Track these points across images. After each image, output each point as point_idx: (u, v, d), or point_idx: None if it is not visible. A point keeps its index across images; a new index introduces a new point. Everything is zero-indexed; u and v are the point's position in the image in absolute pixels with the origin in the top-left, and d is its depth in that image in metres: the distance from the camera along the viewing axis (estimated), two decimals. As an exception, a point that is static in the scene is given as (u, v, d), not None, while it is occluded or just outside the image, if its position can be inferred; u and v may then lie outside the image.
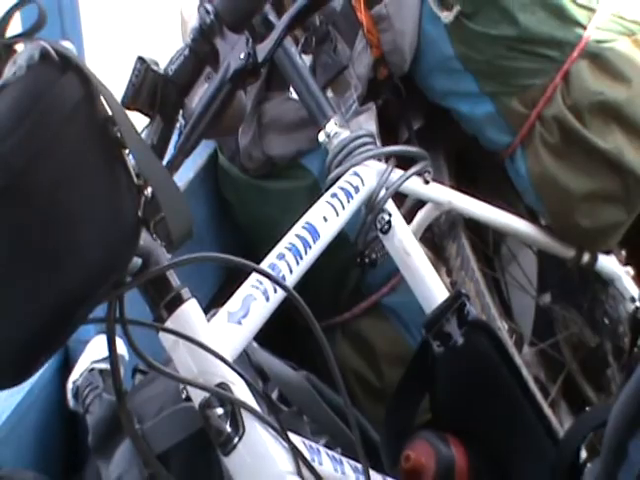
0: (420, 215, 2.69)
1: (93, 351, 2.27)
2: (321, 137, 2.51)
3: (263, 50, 2.16)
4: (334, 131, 2.49)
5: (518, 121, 2.87)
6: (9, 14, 1.62)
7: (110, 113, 1.57)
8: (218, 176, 2.93)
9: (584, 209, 2.88)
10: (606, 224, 2.92)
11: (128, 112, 1.64)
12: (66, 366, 2.34)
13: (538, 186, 2.89)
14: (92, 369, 2.22)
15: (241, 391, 1.81)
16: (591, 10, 2.84)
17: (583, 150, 2.83)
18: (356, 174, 2.43)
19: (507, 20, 2.81)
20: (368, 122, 2.72)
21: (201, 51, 2.00)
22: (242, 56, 2.13)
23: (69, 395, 2.24)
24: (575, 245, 2.96)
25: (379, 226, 2.48)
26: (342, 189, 2.37)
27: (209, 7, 2.00)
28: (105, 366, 2.20)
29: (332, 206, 2.30)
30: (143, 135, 1.82)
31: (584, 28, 2.83)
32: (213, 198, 2.91)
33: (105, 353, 2.20)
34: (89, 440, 2.15)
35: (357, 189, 2.40)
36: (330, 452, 1.97)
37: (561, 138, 2.84)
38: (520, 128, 2.86)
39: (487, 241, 3.01)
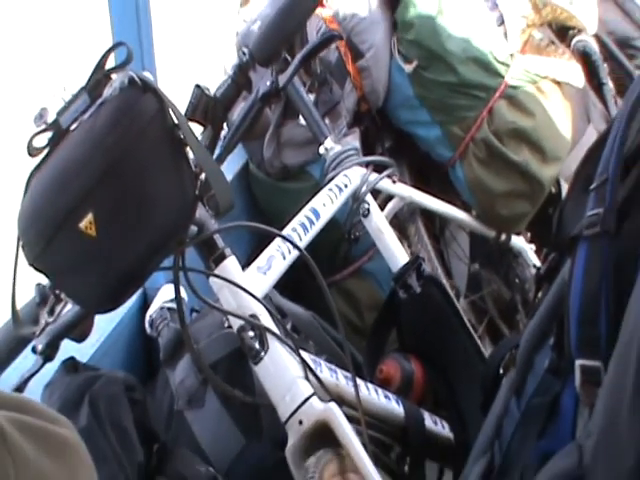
0: (390, 205, 2.70)
1: (163, 295, 2.29)
2: (321, 150, 2.50)
3: (283, 79, 2.26)
4: (330, 146, 2.49)
5: (457, 142, 2.88)
6: (107, 54, 1.61)
7: (176, 122, 1.56)
8: (249, 178, 2.97)
9: (502, 203, 2.92)
10: (517, 214, 2.95)
11: (190, 122, 1.65)
12: (144, 305, 2.36)
13: (471, 187, 2.92)
14: (162, 307, 2.24)
15: (266, 320, 1.83)
16: (507, 65, 2.84)
17: (502, 162, 2.87)
18: (345, 176, 2.45)
19: (450, 71, 2.81)
20: (354, 141, 2.76)
21: (239, 81, 2.01)
22: (268, 83, 2.26)
23: (147, 324, 2.26)
24: (496, 228, 2.98)
25: (361, 212, 2.50)
26: (336, 185, 2.40)
27: (245, 50, 2.05)
28: (172, 305, 2.21)
29: (328, 197, 2.34)
30: (199, 138, 1.81)
31: (503, 77, 2.84)
32: (246, 193, 2.96)
33: (172, 296, 2.23)
34: (160, 356, 2.15)
35: (346, 186, 2.43)
36: (328, 364, 1.96)
37: (487, 154, 2.87)
38: (459, 147, 2.88)
39: (435, 225, 3.03)
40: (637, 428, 1.29)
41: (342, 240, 2.63)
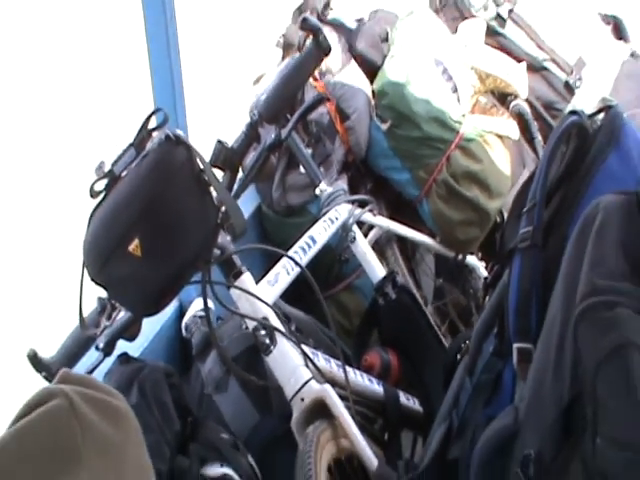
0: (371, 233, 2.70)
1: (195, 306, 2.30)
2: (317, 192, 2.51)
3: (284, 133, 2.30)
4: (324, 188, 2.50)
5: (423, 183, 2.86)
6: (149, 117, 1.64)
7: (202, 168, 1.58)
8: (261, 215, 2.95)
9: (459, 230, 2.89)
10: (470, 238, 2.92)
11: (213, 168, 1.68)
12: (181, 314, 2.35)
13: (434, 218, 2.89)
14: (195, 315, 2.26)
15: (275, 322, 1.86)
16: (460, 123, 2.84)
17: (458, 198, 2.86)
18: (336, 210, 2.45)
19: (417, 128, 2.80)
20: (342, 184, 2.74)
21: (251, 135, 2.02)
22: (273, 136, 2.28)
23: (183, 329, 2.28)
24: (454, 250, 2.95)
25: (349, 239, 2.49)
26: (329, 218, 2.42)
27: (255, 111, 2.04)
28: (202, 313, 2.20)
29: (323, 227, 2.37)
30: (220, 180, 1.79)
31: (457, 132, 2.83)
32: (258, 227, 2.93)
33: (202, 307, 2.20)
34: (193, 352, 2.17)
35: (337, 218, 2.44)
36: (323, 355, 2.00)
37: (446, 192, 2.86)
38: (424, 187, 2.86)
39: (407, 248, 2.98)
40: (557, 392, 1.33)
41: (334, 261, 2.66)
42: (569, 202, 1.65)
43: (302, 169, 2.59)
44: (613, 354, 1.24)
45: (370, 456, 1.79)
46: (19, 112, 6.42)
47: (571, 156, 1.72)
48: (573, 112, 1.85)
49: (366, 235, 2.61)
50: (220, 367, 2.03)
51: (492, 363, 1.77)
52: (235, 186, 2.13)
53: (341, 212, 2.46)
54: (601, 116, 1.73)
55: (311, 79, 2.73)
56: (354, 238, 2.50)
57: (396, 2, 3.19)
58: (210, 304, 1.81)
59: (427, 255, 3.06)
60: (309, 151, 2.59)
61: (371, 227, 2.70)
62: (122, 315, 1.75)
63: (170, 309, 2.33)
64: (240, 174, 2.13)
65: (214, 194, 1.61)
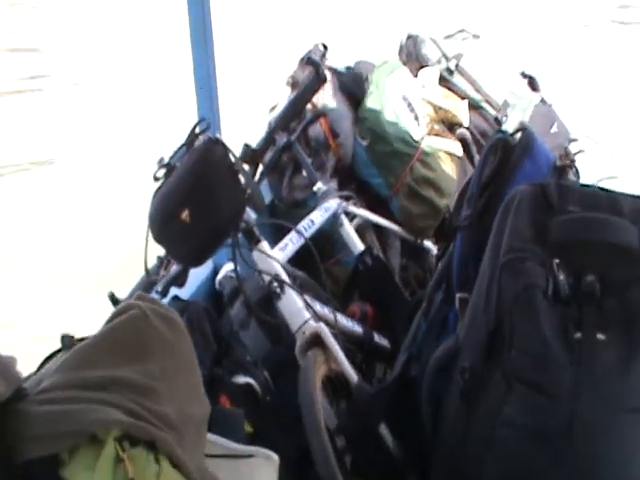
0: (354, 221, 2.70)
1: (226, 268, 2.26)
2: (314, 189, 2.52)
3: (292, 138, 2.35)
4: (319, 187, 2.51)
5: (393, 186, 2.86)
6: (197, 124, 1.68)
7: (234, 161, 1.62)
8: (273, 206, 2.91)
9: (419, 220, 2.89)
10: (427, 226, 2.92)
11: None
12: (215, 273, 2.34)
13: (401, 211, 2.89)
14: (225, 275, 2.25)
15: (284, 277, 1.87)
16: (420, 142, 2.85)
17: (418, 197, 2.85)
18: (329, 202, 2.47)
19: (388, 145, 2.81)
20: (334, 184, 2.75)
21: (268, 140, 2.07)
22: (285, 140, 2.22)
23: (217, 284, 2.28)
24: (415, 235, 2.95)
25: (338, 224, 2.52)
26: (324, 208, 2.42)
27: (272, 122, 2.06)
28: (231, 274, 2.16)
29: (319, 213, 2.36)
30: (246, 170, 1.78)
31: (418, 149, 2.84)
32: (271, 215, 2.88)
33: (231, 269, 2.19)
34: (224, 300, 2.19)
35: (329, 208, 2.44)
36: (319, 303, 2.01)
37: (410, 192, 2.86)
38: (394, 188, 2.86)
39: (381, 234, 2.94)
40: (485, 320, 1.39)
41: (327, 241, 2.65)
42: (497, 194, 1.69)
43: (304, 173, 2.59)
44: (522, 292, 1.32)
45: (352, 374, 1.82)
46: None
47: (498, 162, 1.76)
48: (500, 131, 1.92)
49: (351, 222, 2.62)
50: (243, 311, 2.04)
51: (441, 308, 1.83)
52: (257, 176, 2.18)
53: (332, 204, 2.47)
54: (519, 135, 1.79)
55: (311, 106, 2.74)
56: (342, 223, 2.52)
57: (374, 55, 3.21)
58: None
59: (395, 240, 3.03)
60: (309, 160, 2.59)
61: (354, 216, 2.70)
62: (174, 268, 1.79)
63: (207, 269, 2.36)
64: (260, 168, 2.18)
65: (242, 180, 1.65)
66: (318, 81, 2.00)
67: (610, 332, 1.26)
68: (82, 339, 1.06)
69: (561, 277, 1.32)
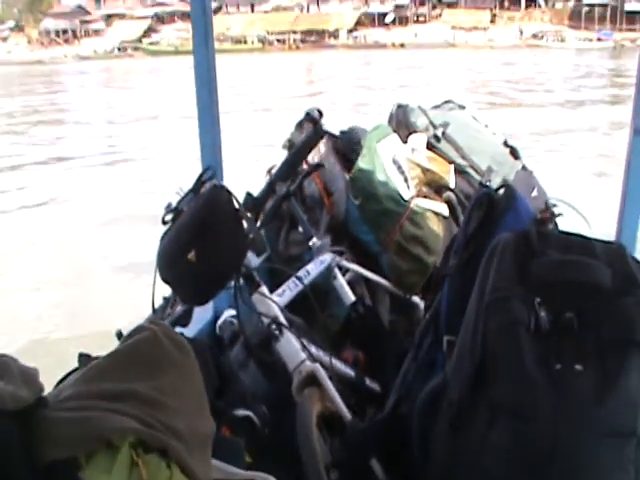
0: (347, 275, 2.73)
1: (226, 314, 2.26)
2: (310, 243, 2.56)
3: (292, 186, 2.29)
4: (315, 242, 2.56)
5: (383, 242, 2.88)
6: (202, 173, 1.74)
7: (237, 207, 1.67)
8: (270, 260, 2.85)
9: (407, 276, 2.90)
10: (415, 282, 2.93)
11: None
12: (215, 319, 2.33)
13: (390, 267, 2.91)
14: (225, 320, 2.23)
15: (282, 320, 1.90)
16: (409, 202, 2.90)
17: (406, 254, 2.87)
18: (323, 256, 2.51)
19: (379, 204, 2.85)
20: (328, 239, 2.77)
21: (269, 190, 2.08)
22: (284, 190, 2.23)
23: (217, 329, 2.26)
24: (403, 290, 2.96)
25: (332, 277, 2.55)
26: (319, 261, 2.46)
27: (272, 174, 2.08)
28: (231, 319, 2.20)
29: (314, 265, 2.40)
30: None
31: (407, 208, 2.89)
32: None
33: (229, 315, 2.23)
34: (224, 343, 2.18)
35: (324, 261, 2.49)
36: (315, 346, 2.03)
37: (398, 249, 2.88)
38: (385, 244, 2.89)
39: (371, 288, 2.94)
40: (472, 355, 1.43)
41: (320, 294, 2.67)
42: (482, 245, 1.75)
43: (300, 229, 2.63)
44: (506, 327, 1.38)
45: (345, 411, 1.85)
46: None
47: (483, 216, 1.84)
48: (485, 186, 2.00)
49: (343, 276, 2.64)
50: (243, 352, 2.06)
51: (429, 351, 1.87)
52: (258, 222, 2.22)
53: (327, 257, 2.51)
54: (501, 191, 1.87)
55: (306, 166, 2.75)
56: (335, 276, 2.55)
57: (366, 122, 3.30)
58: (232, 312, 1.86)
59: (385, 295, 3.00)
60: (305, 216, 2.63)
61: (346, 271, 2.73)
62: (179, 309, 1.83)
63: (208, 314, 2.36)
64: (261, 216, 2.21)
65: (245, 225, 1.71)
66: (316, 135, 2.08)
67: (587, 363, 1.31)
68: (97, 357, 1.10)
69: (542, 314, 1.39)
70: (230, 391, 1.82)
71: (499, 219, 1.81)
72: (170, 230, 1.70)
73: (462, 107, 3.89)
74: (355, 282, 2.82)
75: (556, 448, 1.27)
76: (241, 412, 1.74)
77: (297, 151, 2.14)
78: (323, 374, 1.87)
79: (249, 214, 1.93)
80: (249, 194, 2.00)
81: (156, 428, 0.99)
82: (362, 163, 2.89)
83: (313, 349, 1.99)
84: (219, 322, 2.27)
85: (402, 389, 1.93)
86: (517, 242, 1.55)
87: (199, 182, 1.71)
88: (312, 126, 2.08)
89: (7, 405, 0.88)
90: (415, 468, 1.64)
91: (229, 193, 1.67)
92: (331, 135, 2.96)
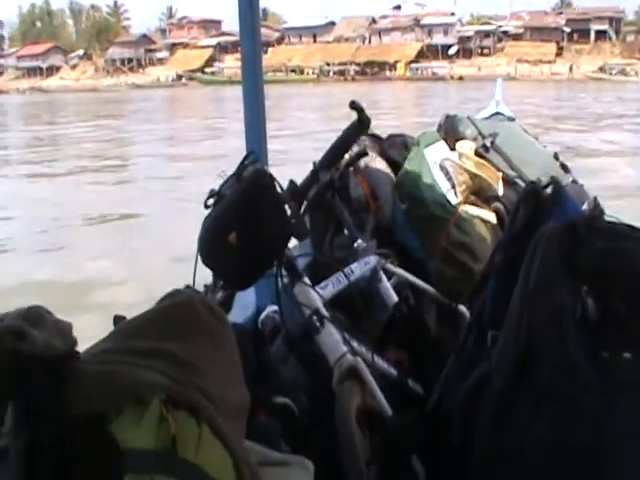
0: (392, 280, 2.66)
1: (268, 310, 2.23)
2: (355, 245, 2.53)
3: (335, 176, 2.31)
4: (360, 243, 2.52)
5: (429, 250, 2.87)
6: (246, 157, 1.72)
7: (280, 191, 1.65)
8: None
9: (453, 283, 2.83)
10: (461, 290, 2.81)
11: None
12: (257, 314, 2.30)
13: (436, 274, 2.88)
14: (267, 315, 2.21)
15: (323, 311, 1.87)
16: (457, 208, 2.87)
17: (453, 261, 2.83)
18: (369, 258, 2.47)
19: (426, 209, 2.84)
20: (373, 242, 2.73)
21: (313, 177, 2.07)
22: (328, 177, 2.22)
23: (259, 323, 2.22)
24: (449, 298, 2.85)
25: (377, 280, 2.51)
26: (363, 262, 2.43)
27: (316, 162, 2.06)
28: (273, 315, 2.16)
29: (359, 266, 2.36)
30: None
31: (454, 214, 2.86)
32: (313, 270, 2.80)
33: (271, 311, 2.20)
34: (265, 338, 2.15)
35: (369, 262, 2.45)
36: (357, 341, 1.97)
37: (445, 257, 2.85)
38: (431, 251, 2.87)
39: (417, 297, 2.80)
40: (516, 343, 1.38)
41: (362, 297, 2.58)
42: (529, 242, 1.72)
43: (345, 231, 2.60)
44: (552, 314, 1.33)
45: (387, 407, 1.81)
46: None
47: (530, 212, 1.79)
48: (531, 183, 1.96)
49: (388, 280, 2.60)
50: (284, 347, 2.04)
51: (473, 348, 1.81)
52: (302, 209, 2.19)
53: (372, 260, 2.48)
54: (549, 189, 1.82)
55: (353, 169, 2.76)
56: (380, 279, 2.51)
57: (414, 130, 3.29)
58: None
59: (431, 306, 2.91)
60: (350, 219, 2.60)
61: (392, 275, 2.67)
62: (220, 295, 1.81)
63: (251, 309, 2.33)
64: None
65: (287, 211, 1.69)
66: (361, 125, 2.06)
67: (636, 350, 1.25)
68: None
69: (589, 302, 1.33)
70: (269, 380, 1.79)
71: (546, 216, 1.76)
72: (211, 213, 1.69)
73: (512, 119, 3.85)
74: (400, 288, 2.73)
75: (603, 438, 1.20)
76: (280, 400, 1.70)
77: (341, 139, 2.12)
78: (364, 368, 1.83)
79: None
80: (292, 182, 1.98)
81: (187, 387, 0.97)
82: (409, 165, 2.88)
83: (355, 343, 1.94)
84: (261, 317, 2.25)
85: (445, 386, 1.88)
86: (563, 232, 1.49)
87: (242, 166, 1.70)
88: (357, 115, 2.06)
89: (40, 352, 0.86)
90: (456, 465, 1.58)
91: (272, 178, 1.66)
92: (378, 139, 2.96)
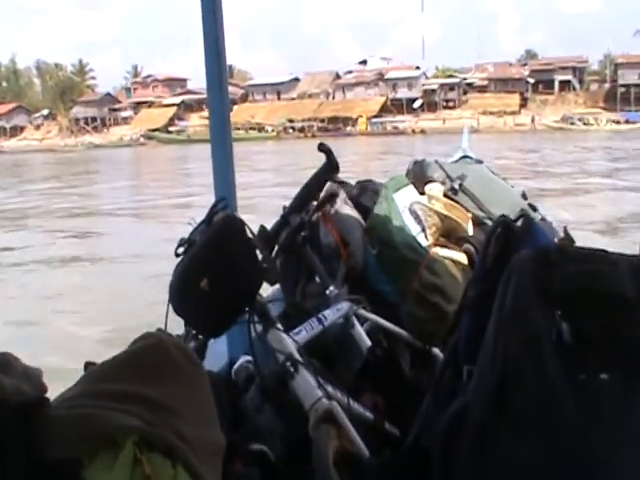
0: (365, 325, 2.65)
1: (241, 360, 2.17)
2: (327, 292, 2.52)
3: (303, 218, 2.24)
4: (332, 290, 2.52)
5: (402, 292, 2.86)
6: (216, 203, 1.73)
7: (251, 237, 1.66)
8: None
9: (427, 325, 2.84)
10: (435, 331, 2.80)
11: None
12: (230, 365, 2.27)
13: (410, 317, 2.87)
14: (240, 365, 2.16)
15: (297, 356, 1.85)
16: (427, 251, 2.90)
17: (426, 303, 2.83)
18: (341, 304, 2.46)
19: (397, 252, 2.84)
20: (345, 289, 2.74)
21: (282, 224, 2.06)
22: (298, 220, 2.22)
23: (233, 373, 2.15)
24: (423, 341, 2.86)
25: (349, 325, 2.50)
26: (336, 308, 2.42)
27: (286, 206, 2.07)
28: (246, 364, 2.12)
29: (332, 312, 2.36)
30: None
31: (425, 257, 2.87)
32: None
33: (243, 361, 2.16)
34: (239, 388, 2.10)
35: (341, 309, 2.44)
36: (331, 386, 1.97)
37: (417, 299, 2.84)
38: (404, 294, 2.86)
39: (390, 342, 2.78)
40: (492, 372, 1.39)
41: (334, 345, 2.56)
42: (501, 275, 1.74)
43: (317, 279, 2.60)
44: (528, 339, 1.35)
45: (364, 449, 1.80)
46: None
47: (501, 246, 1.82)
48: (502, 216, 1.99)
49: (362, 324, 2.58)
50: (259, 395, 2.02)
51: (449, 383, 1.82)
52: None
53: (344, 306, 2.47)
54: (519, 222, 1.86)
55: (321, 214, 2.76)
56: (353, 325, 2.50)
57: (381, 176, 3.34)
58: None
59: (405, 351, 2.89)
60: (321, 266, 2.59)
61: (365, 321, 2.66)
62: (192, 344, 1.79)
63: (224, 360, 2.32)
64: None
65: (259, 256, 1.69)
66: (330, 167, 2.08)
67: (612, 371, 1.27)
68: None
69: (563, 325, 1.35)
70: (245, 427, 1.77)
71: (518, 248, 1.78)
72: (182, 261, 1.68)
73: (479, 161, 3.92)
74: (373, 334, 2.72)
75: (588, 458, 1.21)
76: (256, 446, 1.68)
77: (310, 182, 2.14)
78: (340, 412, 1.82)
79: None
80: (263, 227, 1.99)
81: (161, 428, 0.96)
82: (378, 209, 2.90)
83: (330, 388, 1.93)
84: (234, 367, 2.21)
85: (423, 422, 1.87)
86: (537, 257, 1.52)
87: (212, 212, 1.70)
88: (326, 158, 2.08)
89: (10, 398, 0.86)
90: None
91: (242, 222, 1.67)
92: (347, 185, 2.99)
